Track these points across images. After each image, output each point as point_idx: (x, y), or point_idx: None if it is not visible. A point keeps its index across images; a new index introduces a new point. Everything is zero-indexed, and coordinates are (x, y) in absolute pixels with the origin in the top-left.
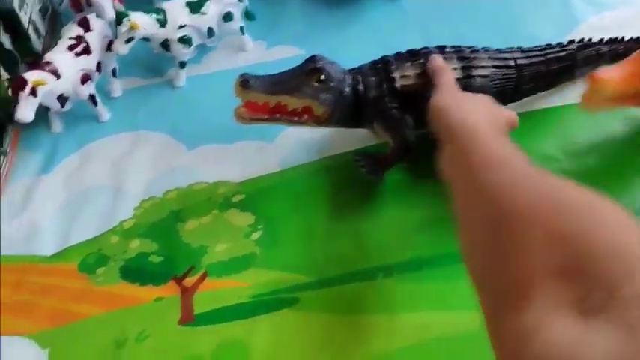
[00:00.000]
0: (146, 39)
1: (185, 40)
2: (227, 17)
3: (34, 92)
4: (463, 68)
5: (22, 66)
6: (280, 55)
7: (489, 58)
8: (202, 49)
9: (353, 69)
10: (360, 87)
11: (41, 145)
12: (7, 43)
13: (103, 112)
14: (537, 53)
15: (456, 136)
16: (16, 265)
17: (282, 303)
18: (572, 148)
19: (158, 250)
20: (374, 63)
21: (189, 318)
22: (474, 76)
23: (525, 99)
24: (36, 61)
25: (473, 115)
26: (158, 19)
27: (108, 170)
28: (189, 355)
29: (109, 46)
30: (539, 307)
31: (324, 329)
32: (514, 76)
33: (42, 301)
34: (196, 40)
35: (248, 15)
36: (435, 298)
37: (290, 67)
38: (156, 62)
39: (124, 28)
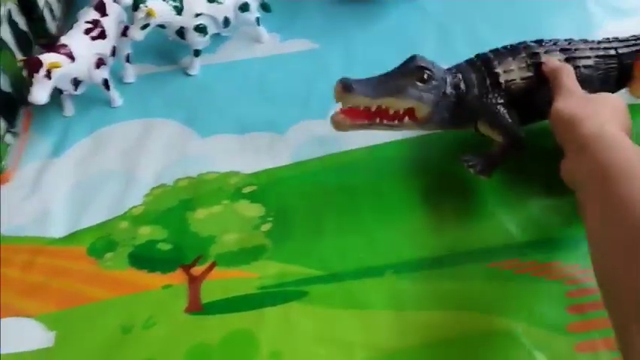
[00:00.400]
0: (162, 26)
1: (201, 29)
2: (244, 7)
3: (48, 74)
4: (567, 60)
5: (35, 48)
6: (295, 48)
7: (590, 48)
8: (217, 39)
9: (450, 68)
10: (462, 85)
11: (53, 129)
12: (22, 24)
13: (116, 97)
14: (636, 42)
15: (591, 146)
16: (26, 246)
17: (290, 296)
18: None
19: (167, 237)
20: (471, 61)
21: (196, 307)
22: (579, 66)
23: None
24: (50, 43)
25: (607, 125)
26: (175, 7)
27: (119, 156)
28: (196, 343)
29: (124, 32)
30: None
31: (331, 323)
32: (616, 65)
33: (50, 283)
34: (212, 29)
35: (265, 6)
36: (444, 299)
37: (392, 68)
38: (170, 50)
39: (140, 14)
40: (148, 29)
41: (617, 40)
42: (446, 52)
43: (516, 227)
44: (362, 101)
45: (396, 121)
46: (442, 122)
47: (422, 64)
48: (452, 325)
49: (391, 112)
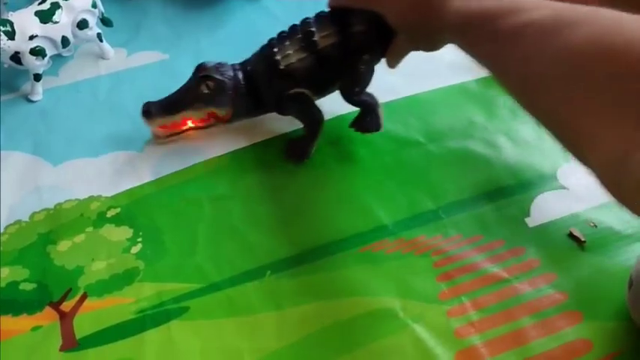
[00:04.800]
0: None
1: (37, 52)
2: (82, 25)
3: None
4: (342, 31)
5: None
6: (144, 61)
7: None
8: (58, 60)
9: (243, 61)
10: (253, 77)
11: None
12: None
13: None
14: None
15: (462, 18)
16: None
17: (171, 314)
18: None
19: (29, 276)
20: (261, 49)
21: (71, 343)
22: (353, 33)
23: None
24: None
25: None
26: (5, 31)
27: None
28: None
29: None
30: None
31: (215, 334)
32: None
33: None
34: (50, 51)
35: (105, 21)
36: (321, 290)
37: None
38: (9, 77)
39: None
40: None
41: None
42: None
43: (382, 210)
44: (163, 121)
45: (205, 124)
46: (249, 114)
47: (204, 74)
48: (331, 314)
49: (196, 118)
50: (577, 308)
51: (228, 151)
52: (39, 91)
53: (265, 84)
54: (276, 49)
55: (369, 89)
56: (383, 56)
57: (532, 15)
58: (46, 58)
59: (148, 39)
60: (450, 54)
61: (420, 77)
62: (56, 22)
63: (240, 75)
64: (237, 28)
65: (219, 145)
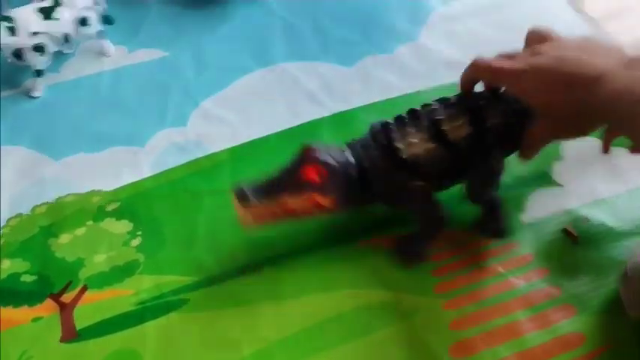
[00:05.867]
0: None
1: (39, 48)
2: (83, 22)
3: None
4: (476, 121)
5: None
6: (144, 59)
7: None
8: (60, 57)
9: (354, 141)
10: (366, 164)
11: None
12: None
13: None
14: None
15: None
16: None
17: (170, 306)
18: None
19: (30, 268)
20: (374, 131)
21: (71, 334)
22: (488, 128)
23: None
24: None
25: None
26: (8, 28)
27: None
28: None
29: None
30: None
31: (214, 326)
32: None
33: None
34: (52, 47)
35: (106, 19)
36: (320, 282)
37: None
38: (10, 73)
39: None
40: None
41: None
42: (295, 48)
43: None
44: (259, 206)
45: (304, 213)
46: (354, 204)
47: (316, 158)
48: (329, 306)
49: (295, 206)
50: (570, 302)
51: (228, 147)
52: (40, 87)
53: (380, 173)
54: (396, 135)
55: None
56: (517, 148)
57: None
58: (48, 55)
59: (148, 36)
60: (446, 52)
61: (417, 76)
62: (58, 19)
63: (350, 160)
64: (238, 26)
65: (220, 141)
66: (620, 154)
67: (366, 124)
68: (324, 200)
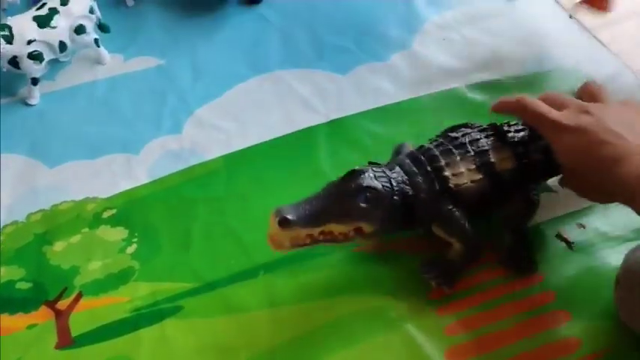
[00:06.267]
0: None
1: (35, 56)
2: (79, 30)
3: None
4: (520, 152)
5: None
6: (140, 67)
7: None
8: (56, 64)
9: (392, 166)
10: (409, 190)
11: None
12: None
13: None
14: None
15: None
16: None
17: (165, 313)
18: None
19: (25, 276)
20: (415, 157)
21: (67, 341)
22: (531, 158)
23: None
24: None
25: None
26: (3, 36)
27: None
28: None
29: None
30: None
31: (209, 333)
32: None
33: None
34: (48, 55)
35: (102, 27)
36: (315, 289)
37: (327, 186)
38: (6, 81)
39: None
40: None
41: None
42: (290, 56)
43: None
44: (301, 232)
45: (343, 239)
46: (394, 229)
47: (365, 184)
48: (324, 312)
49: (337, 233)
50: (565, 307)
51: (223, 154)
52: (36, 95)
53: (425, 200)
54: (443, 163)
55: None
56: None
57: None
58: (44, 63)
59: (144, 44)
60: (440, 60)
61: (412, 83)
62: (54, 27)
63: (395, 185)
64: (234, 34)
65: (215, 148)
66: None
67: (361, 131)
68: (367, 227)
